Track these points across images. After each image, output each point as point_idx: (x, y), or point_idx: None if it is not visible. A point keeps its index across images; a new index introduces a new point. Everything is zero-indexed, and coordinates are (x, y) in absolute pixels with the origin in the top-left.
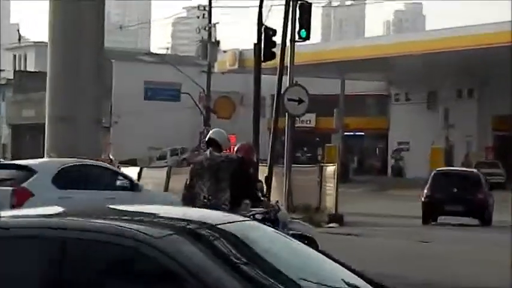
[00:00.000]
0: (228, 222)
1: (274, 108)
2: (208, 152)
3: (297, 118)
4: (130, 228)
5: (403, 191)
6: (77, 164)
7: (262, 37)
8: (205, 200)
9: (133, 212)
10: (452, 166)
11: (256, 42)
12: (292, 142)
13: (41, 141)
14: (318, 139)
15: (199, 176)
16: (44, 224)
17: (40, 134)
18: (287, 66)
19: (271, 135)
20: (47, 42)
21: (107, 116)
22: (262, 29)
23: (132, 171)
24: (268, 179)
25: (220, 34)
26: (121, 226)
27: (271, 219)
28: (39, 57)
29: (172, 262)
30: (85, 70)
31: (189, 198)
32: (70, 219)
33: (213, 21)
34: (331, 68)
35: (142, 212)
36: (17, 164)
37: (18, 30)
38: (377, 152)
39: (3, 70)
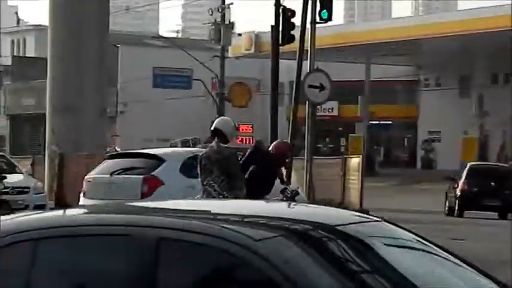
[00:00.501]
0: (351, 223)
1: (293, 96)
2: (214, 144)
3: (318, 106)
4: (228, 229)
5: (433, 184)
6: (195, 154)
7: (280, 19)
8: (220, 196)
9: (233, 208)
10: (487, 157)
11: (273, 24)
12: (314, 132)
13: (42, 132)
14: (341, 129)
15: (208, 172)
16: (137, 222)
17: (41, 125)
18: (307, 50)
19: (290, 125)
20: (47, 26)
21: (113, 105)
22: (280, 10)
23: None
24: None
25: (234, 16)
26: (218, 226)
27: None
28: (39, 42)
29: (273, 269)
30: (88, 56)
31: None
32: (164, 217)
33: (227, 1)
34: (355, 52)
35: (245, 209)
36: (145, 153)
37: (17, 13)
38: (405, 142)
39: (0, 56)
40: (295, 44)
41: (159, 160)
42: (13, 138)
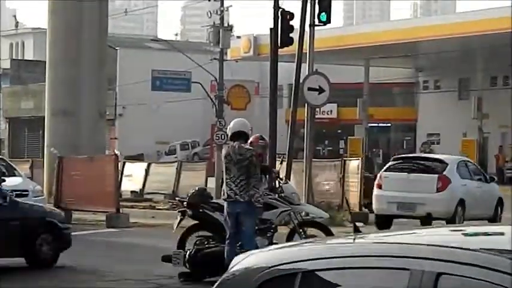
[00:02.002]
0: None
1: (292, 98)
2: (236, 145)
3: (317, 109)
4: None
5: None
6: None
7: (279, 21)
8: (236, 197)
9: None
10: (486, 159)
11: (272, 26)
12: (313, 135)
13: (41, 135)
14: (340, 131)
15: (227, 170)
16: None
17: (39, 128)
18: (306, 53)
19: (289, 127)
20: (45, 29)
21: (111, 108)
22: (279, 13)
23: (138, 167)
24: (286, 175)
25: (233, 18)
26: (493, 254)
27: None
28: (38, 45)
29: None
30: (87, 59)
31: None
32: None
33: (226, 4)
34: (354, 55)
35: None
36: (430, 157)
37: (15, 16)
38: (404, 144)
39: None
40: (294, 47)
41: (442, 163)
42: (12, 141)
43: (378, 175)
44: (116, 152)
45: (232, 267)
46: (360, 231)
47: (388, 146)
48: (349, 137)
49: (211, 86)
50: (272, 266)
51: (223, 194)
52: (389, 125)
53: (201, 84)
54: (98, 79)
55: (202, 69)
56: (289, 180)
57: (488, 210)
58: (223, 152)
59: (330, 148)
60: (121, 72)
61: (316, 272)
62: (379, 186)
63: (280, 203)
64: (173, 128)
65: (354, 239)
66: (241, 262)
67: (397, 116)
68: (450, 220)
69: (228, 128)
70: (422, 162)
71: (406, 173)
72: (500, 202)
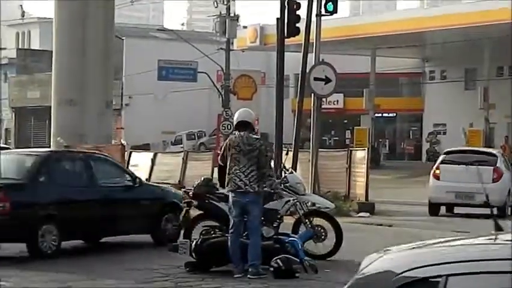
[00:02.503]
0: None
1: (298, 89)
2: (244, 135)
3: (323, 99)
4: None
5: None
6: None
7: (286, 11)
8: (246, 187)
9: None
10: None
11: (279, 16)
12: (319, 125)
13: (47, 124)
14: (346, 121)
15: (236, 160)
16: None
17: (46, 117)
18: (313, 43)
19: (295, 117)
20: (52, 19)
21: (118, 97)
22: (286, 2)
23: (145, 157)
24: (293, 165)
25: (239, 8)
26: None
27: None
28: (44, 35)
29: None
30: (93, 49)
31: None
32: None
33: None
34: (360, 45)
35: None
36: (481, 151)
37: (21, 6)
38: (410, 135)
39: (5, 48)
40: (301, 37)
41: (493, 156)
42: (18, 130)
43: (435, 167)
44: (122, 141)
45: (364, 267)
46: (502, 229)
47: (395, 136)
48: (355, 127)
49: (217, 76)
50: (411, 269)
51: (230, 185)
52: (395, 115)
53: (207, 74)
54: (104, 69)
55: (209, 59)
56: (295, 170)
57: None
58: (230, 141)
59: (336, 138)
60: (127, 62)
61: (465, 276)
62: (437, 177)
63: (285, 193)
64: (179, 118)
65: (496, 239)
66: (374, 263)
67: (404, 106)
68: (501, 208)
69: (233, 118)
70: (476, 155)
71: (463, 165)
72: None
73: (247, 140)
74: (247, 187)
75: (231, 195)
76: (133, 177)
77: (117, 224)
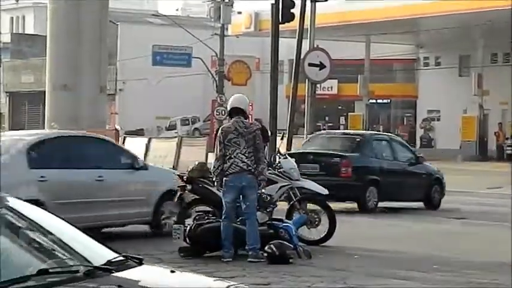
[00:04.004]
0: None
1: (293, 74)
2: (239, 120)
3: (318, 85)
4: None
5: (433, 163)
6: None
7: None
8: (250, 168)
9: None
10: (486, 136)
11: (273, 2)
12: (313, 111)
13: (41, 109)
14: (340, 107)
15: (236, 144)
16: None
17: (40, 102)
18: (307, 29)
19: (289, 103)
20: (46, 3)
21: (112, 83)
22: None
23: (139, 142)
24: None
25: None
26: None
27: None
28: (38, 19)
29: None
30: (88, 34)
31: (222, 170)
32: None
33: None
34: (355, 30)
35: None
36: None
37: None
38: (405, 121)
39: None
40: (295, 23)
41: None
42: (12, 115)
43: None
44: (117, 126)
45: None
46: None
47: (389, 122)
48: (349, 113)
49: (212, 61)
50: None
51: (232, 167)
52: (389, 101)
53: (201, 59)
54: (98, 54)
55: (203, 44)
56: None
57: None
58: (225, 129)
59: (331, 124)
60: (122, 47)
61: None
62: None
63: (279, 178)
64: (173, 103)
65: None
66: None
67: (398, 93)
68: None
69: (227, 104)
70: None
71: None
72: None
73: (243, 123)
74: (250, 168)
75: (226, 180)
76: (416, 156)
77: (405, 191)
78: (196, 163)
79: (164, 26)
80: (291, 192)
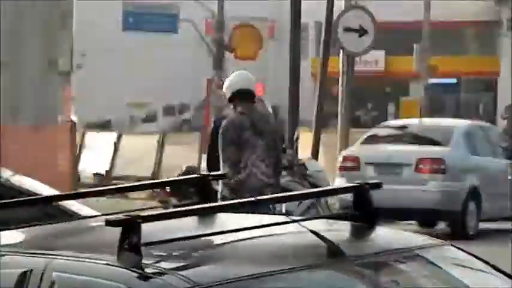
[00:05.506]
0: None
1: (322, 44)
2: (255, 110)
3: (357, 58)
4: None
5: None
6: None
7: None
8: (270, 180)
9: None
10: None
11: None
12: (350, 95)
13: None
14: (388, 90)
15: (252, 148)
16: None
17: None
18: None
19: (317, 84)
20: None
21: (66, 56)
22: None
23: (104, 140)
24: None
25: None
26: None
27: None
28: None
29: None
30: None
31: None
32: None
33: None
34: None
35: None
36: None
37: None
38: (480, 109)
39: None
40: None
41: None
42: None
43: None
44: (73, 117)
45: None
46: None
47: (457, 110)
48: (401, 98)
49: (206, 25)
50: None
51: (248, 184)
52: (458, 81)
53: (193, 22)
54: (46, 15)
55: (195, 1)
56: (317, 157)
57: None
58: (239, 122)
59: (375, 114)
60: (79, 6)
61: None
62: None
63: (300, 186)
64: (153, 84)
65: None
66: None
67: (470, 69)
68: None
69: (225, 84)
70: None
71: None
72: None
73: (262, 116)
74: (270, 179)
75: (226, 192)
76: None
77: None
78: (184, 168)
79: None
80: (319, 208)
